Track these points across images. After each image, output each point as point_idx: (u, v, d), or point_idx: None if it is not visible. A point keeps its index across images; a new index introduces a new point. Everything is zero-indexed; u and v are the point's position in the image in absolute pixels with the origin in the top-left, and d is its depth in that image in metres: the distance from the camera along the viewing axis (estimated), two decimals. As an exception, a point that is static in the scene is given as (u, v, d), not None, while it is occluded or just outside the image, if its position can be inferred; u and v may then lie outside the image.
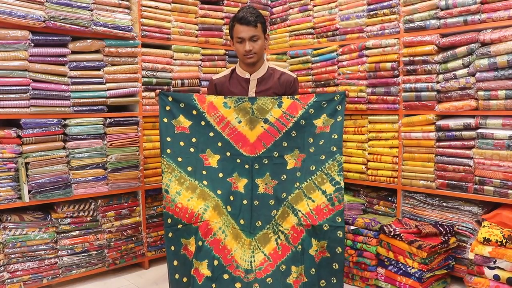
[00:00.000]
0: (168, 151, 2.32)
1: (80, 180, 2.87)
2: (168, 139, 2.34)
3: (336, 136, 2.29)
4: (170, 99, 2.37)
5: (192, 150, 2.36)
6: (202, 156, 2.37)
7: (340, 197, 2.20)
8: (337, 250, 2.19)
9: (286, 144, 2.37)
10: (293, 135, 2.36)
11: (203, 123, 2.38)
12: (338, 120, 2.31)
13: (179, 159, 2.33)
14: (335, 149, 2.28)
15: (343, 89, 3.32)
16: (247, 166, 2.37)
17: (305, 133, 2.34)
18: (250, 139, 2.38)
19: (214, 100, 2.40)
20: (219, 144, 2.39)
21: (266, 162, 2.37)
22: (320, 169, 2.27)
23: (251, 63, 2.55)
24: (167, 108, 2.36)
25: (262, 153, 2.37)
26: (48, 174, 2.74)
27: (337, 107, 2.32)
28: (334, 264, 2.20)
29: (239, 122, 2.39)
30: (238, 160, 2.37)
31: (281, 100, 2.38)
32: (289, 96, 2.40)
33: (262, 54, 2.60)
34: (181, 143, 2.35)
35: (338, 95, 2.33)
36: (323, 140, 2.31)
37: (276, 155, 2.37)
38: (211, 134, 2.39)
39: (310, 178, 2.28)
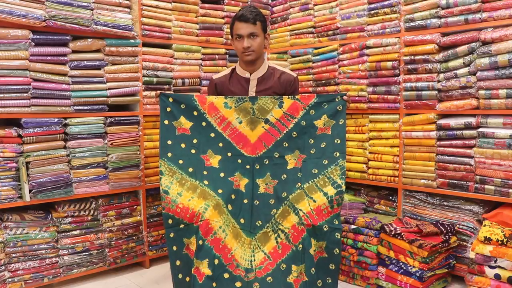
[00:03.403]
0: (169, 154, 2.32)
1: (81, 179, 2.87)
2: (169, 142, 2.34)
3: (339, 141, 2.30)
4: (170, 100, 2.36)
5: (193, 151, 2.36)
6: (203, 157, 2.37)
7: (339, 201, 2.21)
8: (334, 251, 2.19)
9: (286, 145, 2.36)
10: (293, 135, 2.36)
11: (204, 124, 2.38)
12: (340, 123, 2.31)
13: (180, 161, 2.33)
14: (338, 154, 2.28)
15: (343, 88, 3.32)
16: (248, 167, 2.37)
17: (306, 134, 2.34)
18: (251, 140, 2.38)
19: (215, 100, 2.40)
20: (220, 144, 2.39)
21: (267, 162, 2.37)
22: (323, 173, 2.28)
23: (249, 61, 2.54)
24: (168, 109, 2.36)
25: (263, 154, 2.37)
26: (48, 174, 2.75)
27: (338, 108, 2.32)
28: (331, 264, 2.20)
29: (240, 122, 2.39)
30: (239, 161, 2.37)
31: (282, 100, 2.38)
32: (290, 96, 2.40)
33: (261, 52, 2.60)
34: (182, 145, 2.35)
35: (339, 96, 2.33)
36: (324, 143, 2.31)
37: (276, 156, 2.37)
38: (212, 134, 2.38)
39: (312, 180, 2.28)
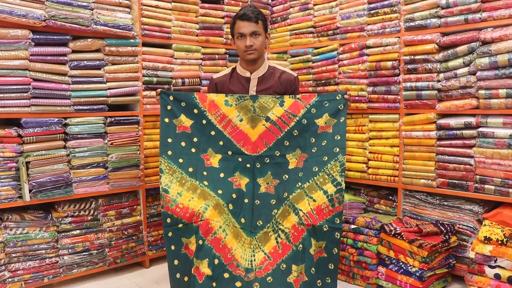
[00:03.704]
0: (169, 152, 2.32)
1: (81, 179, 2.87)
2: (169, 140, 2.34)
3: (339, 137, 2.29)
4: (171, 98, 2.36)
5: (193, 150, 2.36)
6: (203, 157, 2.36)
7: (340, 199, 2.21)
8: (333, 250, 2.20)
9: (288, 143, 2.36)
10: (295, 134, 2.35)
11: (204, 122, 2.38)
12: (341, 121, 2.31)
13: (180, 160, 2.33)
14: (337, 150, 2.28)
15: (343, 88, 3.32)
16: (248, 165, 2.37)
17: (307, 133, 2.34)
18: (251, 138, 2.38)
19: (215, 98, 2.40)
20: (221, 143, 2.38)
21: (268, 161, 2.37)
22: (323, 170, 2.27)
23: (251, 60, 2.54)
24: (168, 107, 2.36)
25: (263, 152, 2.37)
26: (48, 173, 2.74)
27: (339, 107, 2.32)
28: (330, 264, 2.21)
29: (241, 120, 2.39)
30: (240, 159, 2.37)
31: (283, 99, 2.38)
32: (291, 95, 2.40)
33: (263, 51, 2.60)
34: (183, 143, 2.35)
35: (340, 95, 2.33)
36: (325, 141, 2.31)
37: (277, 154, 2.37)
38: (213, 133, 2.38)
39: (312, 179, 2.28)
